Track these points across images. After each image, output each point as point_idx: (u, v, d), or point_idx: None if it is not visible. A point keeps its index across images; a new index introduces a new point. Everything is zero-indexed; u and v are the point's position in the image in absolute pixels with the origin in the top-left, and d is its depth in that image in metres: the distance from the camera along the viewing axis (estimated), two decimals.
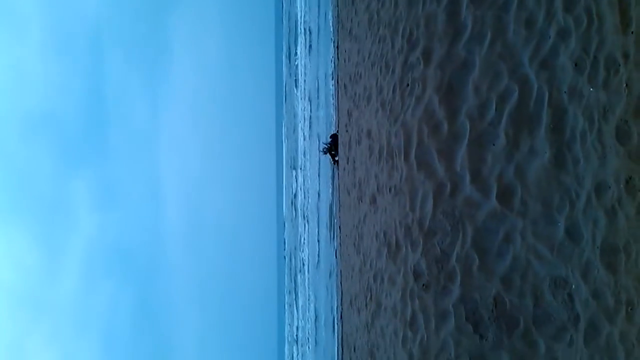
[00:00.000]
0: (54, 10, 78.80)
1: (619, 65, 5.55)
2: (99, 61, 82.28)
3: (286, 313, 48.58)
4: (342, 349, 17.09)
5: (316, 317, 27.40)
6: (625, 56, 5.49)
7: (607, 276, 5.61)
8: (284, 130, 53.53)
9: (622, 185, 5.47)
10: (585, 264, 5.90)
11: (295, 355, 39.17)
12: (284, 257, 52.08)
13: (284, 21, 53.33)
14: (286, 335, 48.19)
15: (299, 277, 37.84)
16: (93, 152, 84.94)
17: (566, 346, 6.07)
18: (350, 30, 16.43)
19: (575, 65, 6.14)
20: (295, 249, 41.21)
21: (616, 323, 5.47)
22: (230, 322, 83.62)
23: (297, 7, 41.82)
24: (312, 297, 30.14)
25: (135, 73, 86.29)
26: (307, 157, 33.19)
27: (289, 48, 47.98)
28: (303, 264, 34.63)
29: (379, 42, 12.42)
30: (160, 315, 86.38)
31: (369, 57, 13.37)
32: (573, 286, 6.04)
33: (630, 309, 5.31)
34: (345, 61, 17.34)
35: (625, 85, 5.45)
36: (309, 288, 31.71)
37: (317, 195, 28.29)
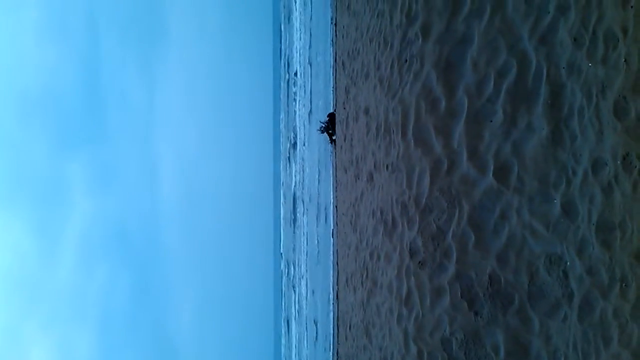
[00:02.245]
0: None
1: (618, 40, 5.48)
2: (95, 42, 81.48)
3: (283, 294, 48.78)
4: (338, 327, 17.19)
5: (313, 292, 27.50)
6: (625, 31, 5.41)
7: (602, 253, 5.59)
8: (281, 112, 53.20)
9: (619, 162, 5.43)
10: (581, 241, 5.88)
11: (293, 335, 39.38)
12: (281, 242, 52.15)
13: (282, 5, 52.78)
14: (283, 315, 48.43)
15: (296, 260, 37.87)
16: (89, 135, 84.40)
17: (560, 322, 6.08)
18: (348, 5, 16.26)
19: (574, 40, 6.06)
20: (293, 233, 41.20)
21: (610, 299, 5.47)
22: (227, 305, 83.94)
23: None
24: (309, 278, 30.23)
25: (132, 54, 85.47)
26: (306, 143, 32.99)
27: (287, 29, 47.58)
28: (302, 251, 34.62)
29: (377, 17, 12.28)
30: (158, 299, 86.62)
31: (367, 33, 13.23)
32: (568, 263, 6.03)
33: (625, 285, 5.30)
34: (343, 37, 17.19)
35: (624, 60, 5.39)
36: (306, 272, 31.77)
37: (315, 176, 28.19)
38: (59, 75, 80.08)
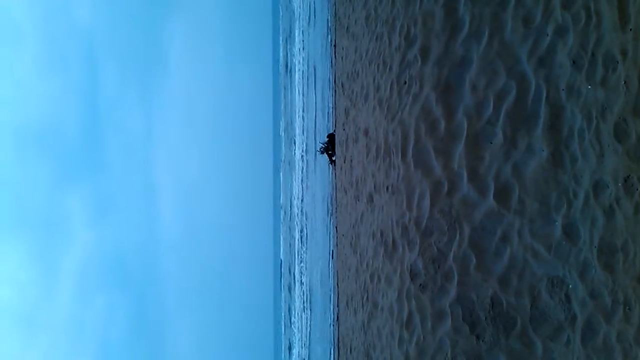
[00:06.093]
0: (49, 24, 78.49)
1: (617, 63, 5.49)
2: (93, 74, 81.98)
3: (282, 322, 48.33)
4: (339, 350, 17.02)
5: (312, 318, 27.27)
6: (624, 53, 5.43)
7: (604, 276, 5.55)
8: (282, 140, 53.20)
9: (620, 184, 5.41)
10: (583, 264, 5.84)
11: None
12: (280, 268, 51.75)
13: (281, 30, 53.17)
14: (282, 345, 47.93)
15: (295, 288, 37.57)
16: (89, 166, 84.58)
17: (563, 346, 6.01)
18: (347, 28, 16.36)
19: (573, 62, 6.08)
20: (291, 259, 40.93)
21: (613, 323, 5.41)
22: (226, 332, 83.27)
23: (295, 15, 41.62)
24: (307, 302, 29.99)
25: (130, 85, 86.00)
26: (306, 167, 32.91)
27: (287, 58, 47.83)
28: (301, 274, 34.33)
29: (376, 39, 12.35)
30: (156, 328, 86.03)
31: (366, 55, 13.29)
32: (570, 286, 5.98)
33: (628, 309, 5.25)
34: (342, 59, 17.27)
35: (623, 82, 5.39)
36: (305, 297, 31.48)
37: (316, 202, 28.03)
38: (58, 107, 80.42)
